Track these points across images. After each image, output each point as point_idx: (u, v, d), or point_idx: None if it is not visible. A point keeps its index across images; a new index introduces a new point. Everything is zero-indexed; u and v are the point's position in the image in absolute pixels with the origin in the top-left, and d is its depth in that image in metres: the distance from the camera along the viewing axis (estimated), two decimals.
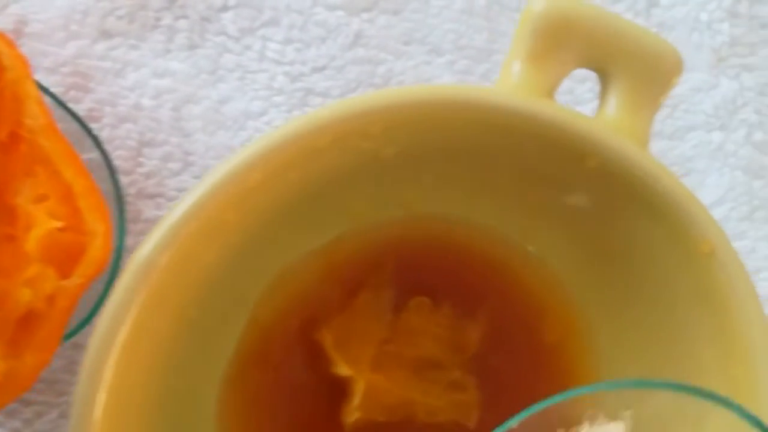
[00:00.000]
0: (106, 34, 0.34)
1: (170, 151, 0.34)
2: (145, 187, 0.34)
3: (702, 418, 0.27)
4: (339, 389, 0.32)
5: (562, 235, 0.32)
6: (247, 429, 0.31)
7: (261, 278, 0.31)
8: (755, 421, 0.25)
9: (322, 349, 0.32)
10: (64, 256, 0.29)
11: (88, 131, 0.32)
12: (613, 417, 0.27)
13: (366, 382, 0.31)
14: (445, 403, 0.32)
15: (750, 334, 0.28)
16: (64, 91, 0.34)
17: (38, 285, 0.29)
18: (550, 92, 0.28)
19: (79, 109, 0.34)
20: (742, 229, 0.38)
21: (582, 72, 0.29)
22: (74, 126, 0.32)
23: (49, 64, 0.34)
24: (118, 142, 0.34)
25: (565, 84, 0.33)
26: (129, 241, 0.33)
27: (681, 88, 0.38)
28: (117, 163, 0.34)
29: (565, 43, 0.27)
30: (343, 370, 0.31)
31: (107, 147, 0.34)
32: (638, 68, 0.27)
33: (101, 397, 0.25)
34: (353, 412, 0.31)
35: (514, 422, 0.25)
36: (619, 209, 0.29)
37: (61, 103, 0.32)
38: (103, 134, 0.34)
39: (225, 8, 0.36)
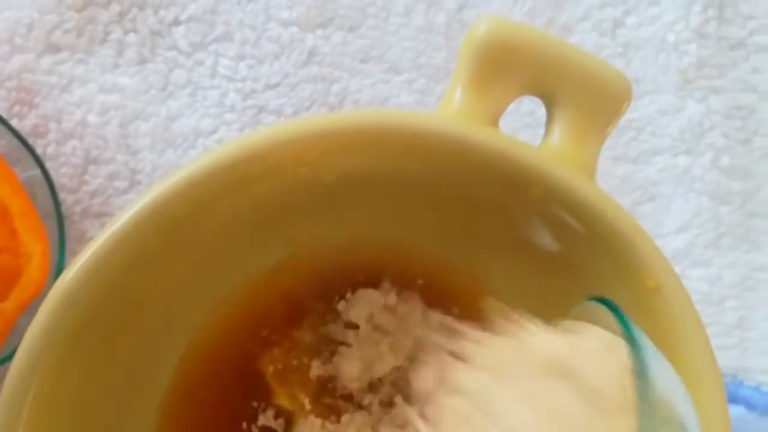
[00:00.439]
0: (52, 48, 0.34)
1: (117, 169, 0.34)
2: (91, 206, 0.34)
3: None
4: (280, 417, 0.31)
5: (509, 264, 0.31)
6: None
7: (198, 306, 0.30)
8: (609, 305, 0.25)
9: (263, 379, 0.31)
10: (0, 279, 0.29)
11: (30, 149, 0.32)
12: None
13: (306, 418, 0.30)
14: None
15: (698, 371, 0.27)
16: (9, 106, 0.33)
17: None
18: (493, 119, 0.27)
19: (24, 125, 0.33)
20: (708, 256, 0.37)
21: None
22: (16, 142, 0.32)
23: None
24: (63, 159, 0.34)
25: (527, 105, 0.33)
26: (72, 260, 0.32)
27: (647, 110, 0.37)
28: (62, 180, 0.33)
29: (508, 70, 0.27)
30: (284, 402, 0.31)
31: (52, 164, 0.33)
32: (584, 96, 0.27)
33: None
34: None
35: None
36: (565, 241, 0.29)
37: (3, 120, 0.32)
38: (48, 151, 0.34)
39: (176, 22, 0.35)
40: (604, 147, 0.27)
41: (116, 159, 0.34)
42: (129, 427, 0.29)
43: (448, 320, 0.29)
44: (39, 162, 0.32)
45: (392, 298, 0.31)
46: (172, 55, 0.35)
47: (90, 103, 0.34)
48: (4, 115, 0.33)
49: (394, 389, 0.30)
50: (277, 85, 0.35)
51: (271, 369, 0.31)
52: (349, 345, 0.30)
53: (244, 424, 0.31)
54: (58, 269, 0.31)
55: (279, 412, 0.31)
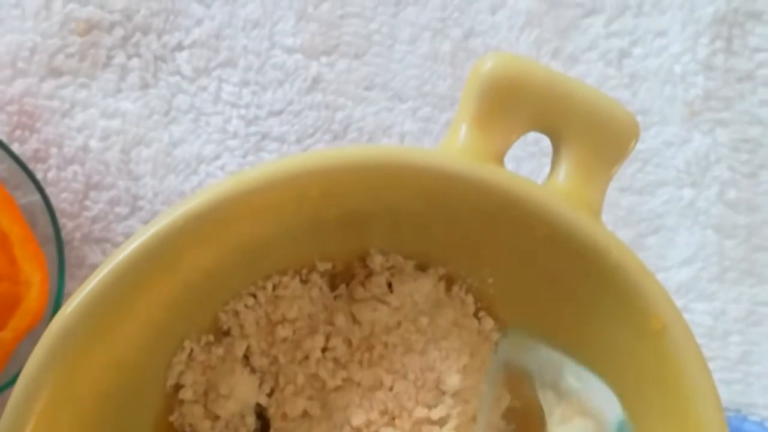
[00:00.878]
0: (54, 72, 0.34)
1: (118, 195, 0.34)
2: (91, 232, 0.33)
3: None
4: None
5: (517, 299, 0.31)
6: None
7: (194, 324, 0.30)
8: None
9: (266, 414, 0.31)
10: None
11: (30, 174, 0.31)
12: None
13: None
14: None
15: (702, 413, 0.27)
16: (10, 130, 0.33)
17: None
18: (498, 156, 0.27)
19: (25, 149, 0.33)
20: (712, 290, 0.37)
21: None
22: (16, 167, 0.32)
23: None
24: (64, 185, 0.33)
25: (532, 134, 0.32)
26: (74, 286, 0.32)
27: (653, 141, 0.37)
28: (62, 206, 0.33)
29: (515, 107, 0.26)
30: None
31: (53, 189, 0.33)
32: (591, 134, 0.27)
33: None
34: None
35: None
36: (570, 279, 0.28)
37: (3, 144, 0.31)
38: (49, 176, 0.33)
39: (180, 47, 0.35)
40: None
41: (117, 185, 0.34)
42: None
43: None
44: (39, 187, 0.32)
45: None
46: (176, 80, 0.35)
47: (92, 128, 0.34)
48: (5, 140, 0.32)
49: None
50: (280, 112, 0.35)
51: (274, 411, 0.30)
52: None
53: None
54: (58, 295, 0.31)
55: None
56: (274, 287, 0.30)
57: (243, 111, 0.35)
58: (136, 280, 0.25)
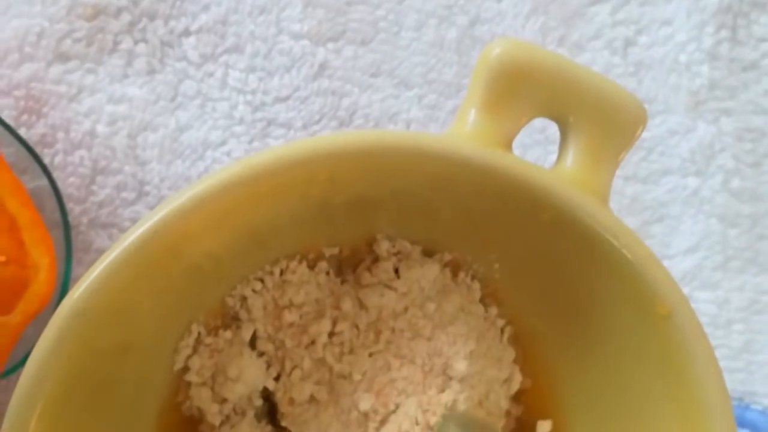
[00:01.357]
0: (61, 57, 0.34)
1: (124, 180, 0.34)
2: (98, 217, 0.33)
3: None
4: None
5: (522, 287, 0.31)
6: None
7: (202, 308, 0.30)
8: None
9: (272, 398, 0.31)
10: (7, 291, 0.29)
11: (37, 158, 0.32)
12: None
13: None
14: None
15: (708, 399, 0.27)
16: (17, 115, 0.33)
17: None
18: (506, 141, 0.27)
19: (32, 134, 0.33)
20: (716, 279, 0.37)
21: None
22: (24, 151, 0.32)
23: (1, 87, 0.33)
24: (71, 169, 0.33)
25: (538, 121, 0.33)
26: (80, 271, 0.32)
27: (657, 130, 0.37)
28: (69, 191, 0.33)
29: (523, 92, 0.26)
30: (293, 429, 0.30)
31: (59, 174, 0.33)
32: (599, 120, 0.27)
33: None
34: None
35: None
36: (576, 265, 0.29)
37: (11, 129, 0.32)
38: (56, 160, 0.33)
39: (187, 33, 0.35)
40: None
41: (124, 170, 0.34)
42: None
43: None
44: (47, 172, 0.32)
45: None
46: (182, 66, 0.35)
47: (98, 113, 0.34)
48: (12, 124, 0.32)
49: None
50: (287, 98, 0.35)
51: (281, 394, 0.30)
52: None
53: None
54: (65, 280, 0.31)
55: None
56: (282, 272, 0.30)
57: (249, 97, 0.35)
58: (144, 265, 0.25)
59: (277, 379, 0.30)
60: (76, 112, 0.34)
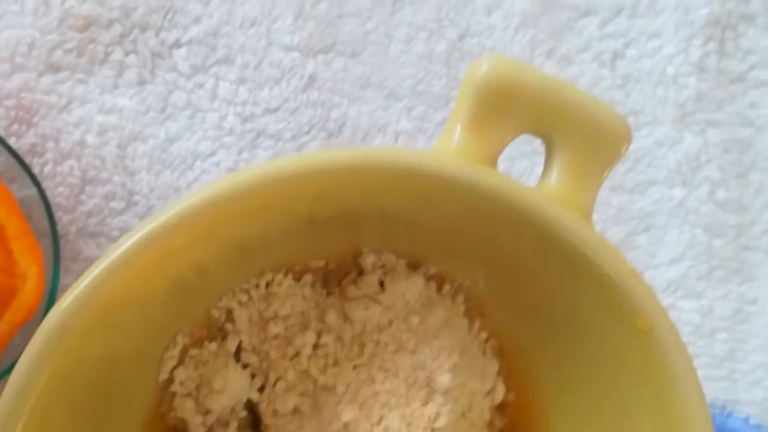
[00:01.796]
0: (52, 68, 0.34)
1: (113, 189, 0.34)
2: (86, 226, 0.34)
3: None
4: None
5: (506, 301, 0.31)
6: None
7: (187, 320, 0.30)
8: None
9: (256, 410, 0.31)
10: None
11: (26, 167, 0.32)
12: None
13: None
14: None
15: (687, 411, 0.27)
16: (7, 124, 0.33)
17: None
18: (491, 158, 0.27)
19: (22, 143, 0.33)
20: (700, 289, 0.37)
21: None
22: (13, 161, 0.32)
23: None
24: (60, 179, 0.34)
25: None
26: (69, 280, 0.32)
27: (644, 141, 0.37)
28: (58, 200, 0.33)
29: (508, 110, 0.27)
30: None
31: (48, 183, 0.33)
32: (584, 138, 0.27)
33: None
34: None
35: None
36: (560, 280, 0.29)
37: (0, 138, 0.32)
38: (45, 170, 0.33)
39: (178, 44, 0.35)
40: None
41: (113, 180, 0.34)
42: None
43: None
44: (35, 181, 0.32)
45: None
46: (173, 77, 0.35)
47: (88, 123, 0.34)
48: (2, 134, 0.33)
49: None
50: (276, 110, 0.35)
51: (264, 406, 0.31)
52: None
53: None
54: (53, 289, 0.31)
55: None
56: (267, 285, 0.30)
57: (239, 108, 0.35)
58: (131, 277, 0.25)
59: (261, 390, 0.30)
60: (66, 122, 0.34)
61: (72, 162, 0.34)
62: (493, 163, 0.27)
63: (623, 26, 0.38)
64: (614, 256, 0.27)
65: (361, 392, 0.30)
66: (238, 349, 0.30)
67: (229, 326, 0.30)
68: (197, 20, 0.35)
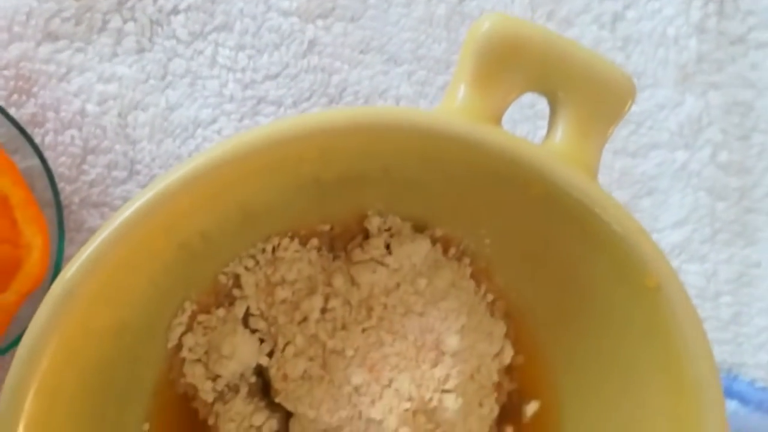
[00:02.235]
0: (51, 37, 0.34)
1: (115, 159, 0.34)
2: (89, 196, 0.33)
3: None
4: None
5: (512, 261, 0.31)
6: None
7: (194, 286, 0.30)
8: None
9: (266, 375, 0.31)
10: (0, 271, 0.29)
11: (28, 138, 0.31)
12: None
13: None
14: None
15: (696, 370, 0.27)
16: (7, 95, 0.33)
17: None
18: (496, 117, 0.27)
19: (22, 113, 0.33)
20: (704, 252, 0.37)
21: None
22: (14, 131, 0.32)
23: None
24: (62, 149, 0.33)
25: (527, 97, 0.33)
26: (72, 250, 0.32)
27: (646, 104, 0.37)
28: (60, 170, 0.33)
29: (512, 68, 0.26)
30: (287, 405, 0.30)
31: (50, 153, 0.33)
32: (588, 95, 0.27)
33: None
34: None
35: None
36: (565, 239, 0.29)
37: (1, 109, 0.31)
38: (46, 140, 0.33)
39: (176, 11, 0.35)
40: None
41: (115, 149, 0.34)
42: (128, 421, 0.29)
43: None
44: (38, 151, 0.32)
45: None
46: (171, 44, 0.35)
47: (88, 92, 0.34)
48: (2, 104, 0.32)
49: None
50: (276, 76, 0.35)
51: (275, 370, 0.31)
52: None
53: None
54: (58, 259, 0.31)
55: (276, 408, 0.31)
56: (274, 249, 0.30)
57: (239, 75, 0.35)
58: (136, 244, 0.25)
59: (270, 355, 0.30)
60: (66, 92, 0.34)
61: (73, 131, 0.33)
62: (497, 121, 0.27)
63: None
64: (621, 213, 0.27)
65: (370, 355, 0.30)
66: (246, 315, 0.30)
67: (236, 292, 0.30)
68: None
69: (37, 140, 0.33)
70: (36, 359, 0.25)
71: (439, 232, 0.31)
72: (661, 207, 0.37)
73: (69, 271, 0.25)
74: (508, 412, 0.32)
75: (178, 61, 0.35)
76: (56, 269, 0.31)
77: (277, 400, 0.30)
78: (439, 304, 0.31)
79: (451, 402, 0.29)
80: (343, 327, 0.30)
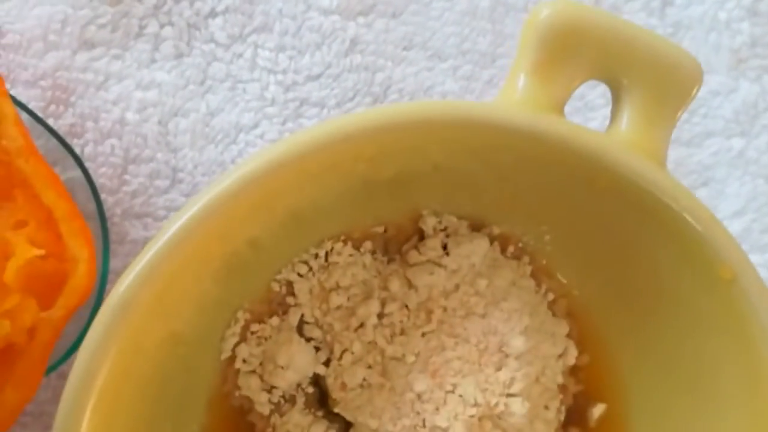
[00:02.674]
0: (87, 44, 0.33)
1: (157, 167, 0.33)
2: (132, 207, 0.33)
3: None
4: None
5: (575, 258, 0.30)
6: None
7: (247, 295, 0.29)
8: None
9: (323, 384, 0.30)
10: (46, 286, 0.28)
11: (69, 149, 0.31)
12: None
13: None
14: None
15: None
16: (44, 105, 0.32)
17: (18, 317, 0.27)
18: (558, 106, 0.26)
19: (60, 124, 0.32)
20: (765, 242, 0.36)
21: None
22: (54, 143, 0.31)
23: (27, 77, 0.32)
24: (102, 159, 0.33)
25: (578, 89, 0.32)
26: (115, 263, 0.32)
27: (699, 91, 0.36)
28: (101, 181, 0.32)
29: (574, 54, 0.26)
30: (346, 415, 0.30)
31: (90, 165, 0.32)
32: (654, 79, 0.26)
33: None
34: None
35: None
36: (633, 232, 0.28)
37: (40, 120, 0.31)
38: (86, 151, 0.32)
39: (213, 14, 0.34)
40: None
41: (156, 157, 0.33)
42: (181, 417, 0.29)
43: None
44: (79, 162, 0.31)
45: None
46: (210, 48, 0.34)
47: (127, 100, 0.33)
48: (41, 115, 0.31)
49: None
50: (319, 76, 0.34)
51: (332, 379, 0.30)
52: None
53: None
54: (103, 273, 0.30)
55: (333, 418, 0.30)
56: (327, 255, 0.29)
57: (280, 77, 0.34)
58: (188, 253, 0.25)
59: (326, 364, 0.30)
60: (105, 100, 0.33)
61: (113, 141, 0.33)
62: (560, 111, 0.26)
63: None
64: (693, 202, 0.26)
65: (432, 360, 0.29)
66: (301, 323, 0.30)
67: (290, 299, 0.29)
68: None
69: (77, 151, 0.32)
70: (93, 376, 0.24)
71: (496, 230, 0.30)
72: (718, 197, 0.36)
73: (123, 285, 0.24)
74: (574, 415, 0.31)
75: (218, 65, 0.34)
76: (102, 282, 0.30)
77: (335, 410, 0.29)
78: (501, 304, 0.30)
79: (518, 406, 0.28)
80: (402, 332, 0.29)
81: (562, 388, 0.31)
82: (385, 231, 0.30)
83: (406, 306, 0.30)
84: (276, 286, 0.29)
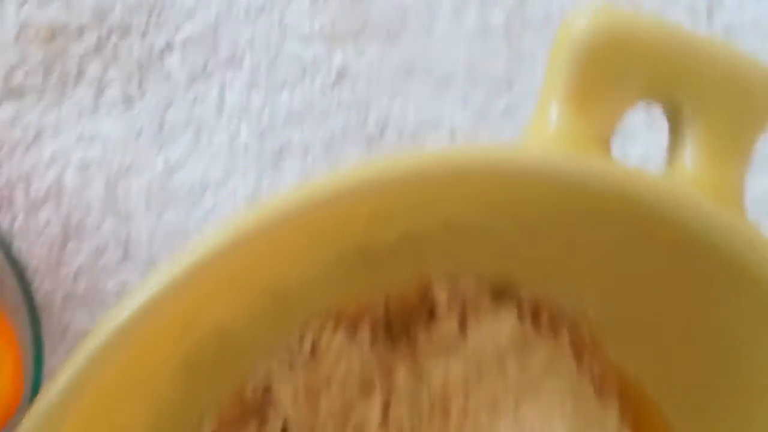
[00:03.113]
0: (13, 94, 0.30)
1: (104, 241, 0.30)
2: (74, 291, 0.30)
3: None
4: None
5: (626, 328, 0.27)
6: None
7: (214, 399, 0.26)
8: None
9: None
10: None
11: None
12: None
13: None
14: None
15: None
16: None
17: None
18: (604, 140, 0.23)
19: None
20: None
21: None
22: None
23: None
24: (35, 235, 0.30)
25: None
26: (54, 361, 0.29)
27: None
28: (34, 262, 0.30)
29: (621, 74, 0.23)
30: None
31: (21, 242, 0.30)
32: (724, 100, 0.23)
33: None
34: None
35: None
36: (705, 295, 0.25)
37: None
38: (16, 225, 0.30)
39: (169, 48, 0.32)
40: None
41: (102, 228, 0.30)
42: None
43: None
44: (3, 243, 0.28)
45: None
46: (167, 89, 0.31)
47: (66, 159, 0.30)
48: None
49: None
50: (300, 117, 0.32)
51: None
52: None
53: None
54: (36, 378, 0.27)
55: None
56: (313, 345, 0.27)
57: (253, 121, 0.32)
58: (141, 348, 0.22)
59: None
60: (37, 161, 0.30)
61: (49, 211, 0.30)
62: (606, 146, 0.24)
63: None
64: None
65: None
66: (284, 430, 0.27)
67: (268, 402, 0.26)
68: (191, 15, 0.32)
69: (4, 226, 0.30)
70: None
71: (525, 294, 0.27)
72: None
73: (46, 398, 0.21)
74: None
75: (176, 110, 0.31)
76: (35, 390, 0.27)
77: None
78: (536, 393, 0.26)
79: None
80: None
81: None
82: (387, 307, 0.27)
83: (417, 403, 0.26)
84: (250, 389, 0.26)
